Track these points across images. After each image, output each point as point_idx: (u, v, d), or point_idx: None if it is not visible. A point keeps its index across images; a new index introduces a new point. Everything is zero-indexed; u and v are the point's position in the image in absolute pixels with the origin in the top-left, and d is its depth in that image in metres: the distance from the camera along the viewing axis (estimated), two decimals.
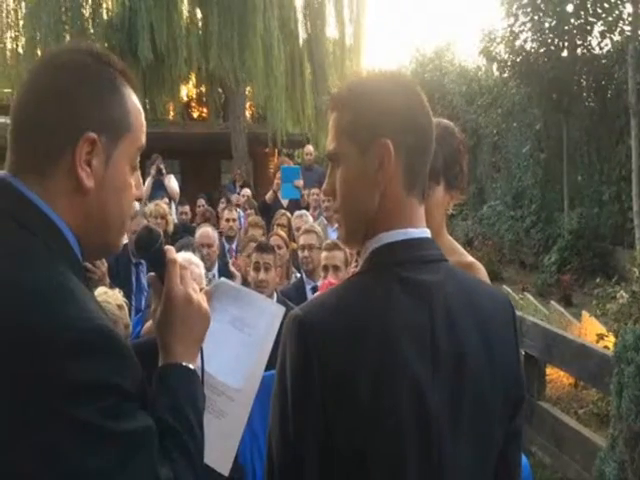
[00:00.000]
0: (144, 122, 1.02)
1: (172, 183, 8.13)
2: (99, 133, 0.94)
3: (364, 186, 1.06)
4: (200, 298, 1.06)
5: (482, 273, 1.76)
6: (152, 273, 1.09)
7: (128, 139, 0.98)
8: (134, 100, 1.00)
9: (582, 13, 9.32)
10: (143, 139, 1.02)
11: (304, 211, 6.18)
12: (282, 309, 1.23)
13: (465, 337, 1.04)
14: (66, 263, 0.90)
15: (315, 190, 6.93)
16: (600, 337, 4.91)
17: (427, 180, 1.11)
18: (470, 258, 1.82)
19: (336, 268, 3.69)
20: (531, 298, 7.54)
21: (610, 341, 4.86)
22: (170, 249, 1.08)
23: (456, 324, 1.03)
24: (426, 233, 1.08)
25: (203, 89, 14.79)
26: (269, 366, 1.27)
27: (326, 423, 0.97)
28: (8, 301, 0.82)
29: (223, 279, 1.32)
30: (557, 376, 5.25)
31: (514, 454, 1.15)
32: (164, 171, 8.07)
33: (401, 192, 1.06)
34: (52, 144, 0.93)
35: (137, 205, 5.88)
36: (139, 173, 1.05)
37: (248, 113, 14.76)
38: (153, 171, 8.03)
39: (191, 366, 1.02)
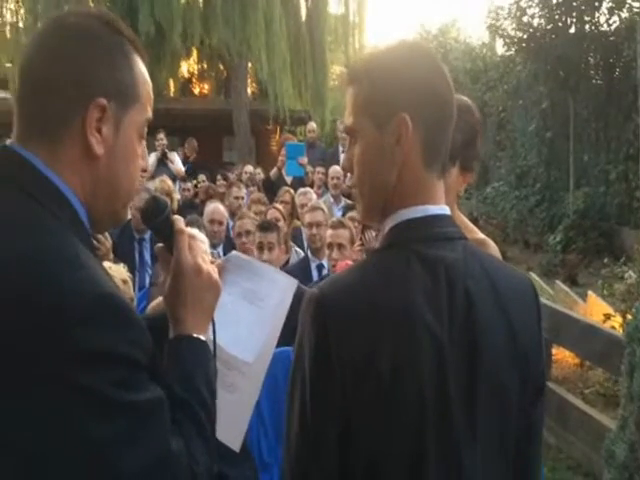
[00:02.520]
0: (152, 93, 1.00)
1: (176, 162, 8.06)
2: (109, 99, 0.91)
3: (382, 162, 1.03)
4: (210, 268, 1.04)
5: (494, 249, 1.76)
6: (160, 244, 1.05)
7: (137, 108, 0.96)
8: (143, 70, 0.98)
9: None
10: (150, 111, 0.99)
11: (308, 188, 6.13)
12: (294, 282, 1.22)
13: (483, 317, 1.01)
14: (74, 232, 0.88)
15: (320, 169, 6.86)
16: (607, 317, 4.88)
17: (447, 156, 1.08)
18: (482, 235, 1.83)
19: (341, 246, 3.66)
20: (536, 278, 7.50)
21: (617, 321, 4.84)
22: (178, 219, 1.06)
23: (474, 303, 1.01)
24: (445, 210, 1.06)
25: (204, 65, 14.63)
26: (279, 342, 1.24)
27: (345, 405, 0.95)
28: (16, 270, 0.80)
29: (235, 252, 1.30)
30: (562, 356, 5.23)
31: (533, 443, 1.10)
32: (169, 155, 8.01)
33: (420, 168, 1.03)
34: (61, 109, 0.90)
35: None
36: (144, 145, 1.03)
37: (250, 90, 14.60)
38: (158, 151, 7.96)
39: (202, 337, 1.00)
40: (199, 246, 1.06)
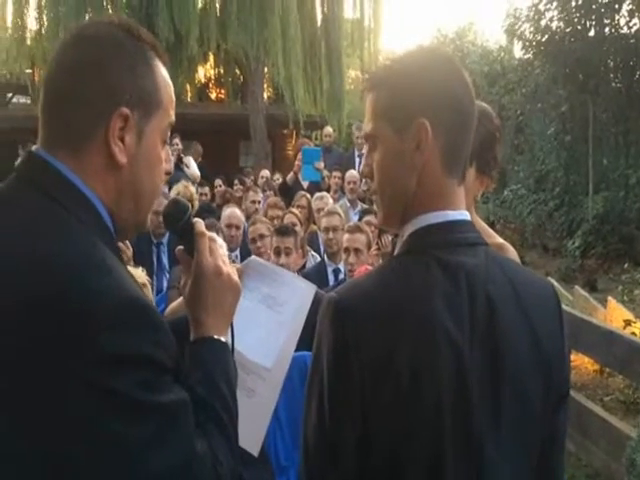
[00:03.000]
0: (174, 97, 1.00)
1: (192, 167, 8.11)
2: (132, 108, 0.92)
3: (401, 168, 1.03)
4: (230, 270, 1.05)
5: (512, 254, 1.75)
6: (180, 247, 1.06)
7: (159, 114, 0.97)
8: (165, 74, 0.98)
9: None
10: (173, 114, 1.00)
11: (324, 193, 6.12)
12: (313, 288, 1.22)
13: (505, 323, 1.00)
14: (99, 236, 0.89)
15: (337, 173, 6.86)
16: (627, 323, 4.82)
17: (468, 161, 1.07)
18: (500, 239, 1.82)
19: (357, 251, 3.66)
20: (555, 283, 7.42)
21: (637, 327, 4.77)
22: (198, 222, 1.07)
23: (496, 309, 1.00)
24: (465, 215, 1.05)
25: (221, 70, 14.71)
26: (297, 347, 1.24)
27: (363, 408, 0.95)
28: (44, 274, 0.80)
29: (254, 257, 1.30)
30: (581, 362, 5.17)
31: (556, 449, 1.10)
32: (184, 160, 8.06)
33: (440, 173, 1.03)
34: (85, 119, 0.91)
35: None
36: (168, 148, 1.04)
37: (266, 94, 14.65)
38: (174, 156, 8.01)
39: (222, 339, 1.01)
40: (219, 249, 1.06)
